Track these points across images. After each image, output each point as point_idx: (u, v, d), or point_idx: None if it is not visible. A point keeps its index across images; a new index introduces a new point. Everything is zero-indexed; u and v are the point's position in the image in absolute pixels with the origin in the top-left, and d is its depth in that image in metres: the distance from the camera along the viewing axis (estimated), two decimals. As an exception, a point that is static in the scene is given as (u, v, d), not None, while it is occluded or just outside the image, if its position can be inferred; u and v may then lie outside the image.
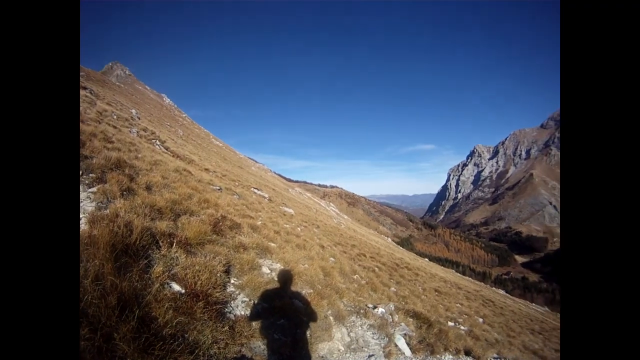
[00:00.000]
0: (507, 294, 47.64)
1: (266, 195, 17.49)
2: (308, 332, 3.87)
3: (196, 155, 21.19)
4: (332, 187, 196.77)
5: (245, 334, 2.97)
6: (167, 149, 15.79)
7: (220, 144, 56.33)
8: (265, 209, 12.21)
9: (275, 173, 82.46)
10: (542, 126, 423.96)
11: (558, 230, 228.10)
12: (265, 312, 3.62)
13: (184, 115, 61.18)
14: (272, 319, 3.60)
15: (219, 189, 9.80)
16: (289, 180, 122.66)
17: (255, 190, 17.32)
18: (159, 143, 15.84)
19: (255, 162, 72.33)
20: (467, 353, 5.49)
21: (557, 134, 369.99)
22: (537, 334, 15.22)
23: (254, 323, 3.23)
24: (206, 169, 15.83)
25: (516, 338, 11.07)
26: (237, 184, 16.24)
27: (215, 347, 2.54)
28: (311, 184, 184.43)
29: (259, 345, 3.06)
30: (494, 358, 5.80)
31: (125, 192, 4.64)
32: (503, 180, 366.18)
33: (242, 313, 3.32)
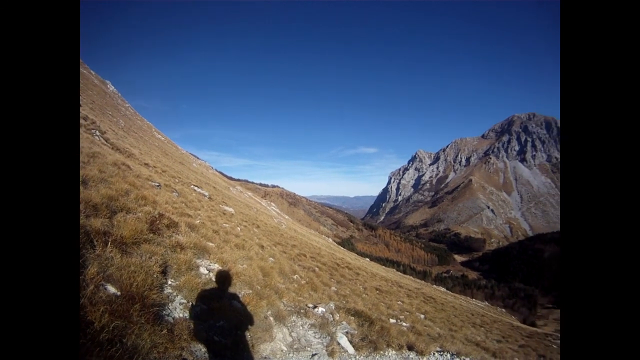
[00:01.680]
0: (448, 291, 51.08)
1: (206, 194, 17.27)
2: (248, 334, 4.05)
3: (137, 148, 20.39)
4: (273, 186, 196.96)
5: (185, 337, 3.06)
6: (106, 141, 15.10)
7: (163, 138, 54.17)
8: (205, 207, 12.16)
9: (217, 170, 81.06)
10: (483, 136, 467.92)
11: (495, 232, 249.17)
12: (204, 314, 3.72)
13: (127, 105, 57.75)
14: (212, 320, 3.72)
15: (158, 186, 9.54)
16: (231, 178, 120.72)
17: (196, 188, 17.04)
18: (98, 134, 15.12)
19: (197, 158, 71.08)
20: (410, 348, 5.97)
21: (497, 144, 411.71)
22: (478, 327, 16.74)
23: (193, 325, 3.31)
24: (146, 164, 15.34)
25: (458, 332, 12.06)
26: (177, 180, 15.85)
27: (155, 351, 2.61)
28: (253, 182, 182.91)
29: (200, 348, 3.17)
30: (437, 351, 6.31)
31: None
32: (443, 185, 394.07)
33: (181, 315, 3.40)
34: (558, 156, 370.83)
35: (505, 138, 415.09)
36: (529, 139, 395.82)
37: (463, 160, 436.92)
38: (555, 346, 18.38)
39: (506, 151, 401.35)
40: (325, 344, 4.89)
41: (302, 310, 5.88)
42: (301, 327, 5.25)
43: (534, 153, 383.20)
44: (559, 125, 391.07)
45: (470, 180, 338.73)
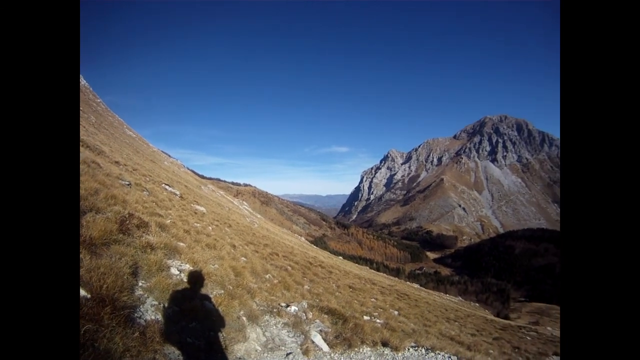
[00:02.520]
0: (422, 287, 52.16)
1: (178, 192, 17.09)
2: (222, 334, 4.09)
3: (107, 146, 20.05)
4: (245, 185, 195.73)
5: (158, 339, 3.06)
6: (77, 138, 14.62)
7: (134, 135, 53.00)
8: (176, 206, 12.07)
9: (188, 169, 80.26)
10: (454, 137, 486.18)
11: (467, 229, 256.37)
12: (176, 315, 3.73)
13: (98, 101, 56.02)
14: (184, 322, 3.73)
15: (128, 184, 9.39)
16: (202, 177, 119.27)
17: (167, 187, 16.82)
18: (68, 130, 14.68)
19: (169, 156, 70.48)
20: (385, 344, 6.13)
21: (469, 145, 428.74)
22: (452, 322, 17.27)
23: (165, 328, 3.31)
24: (116, 162, 15.11)
25: (432, 327, 12.39)
26: (148, 179, 15.63)
27: (128, 355, 2.62)
28: (225, 181, 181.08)
29: (173, 351, 3.18)
30: (412, 347, 6.50)
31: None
32: (415, 184, 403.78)
33: (153, 317, 3.39)
34: (528, 157, 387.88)
35: (476, 139, 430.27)
36: (500, 140, 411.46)
37: (435, 159, 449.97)
38: (529, 338, 19.09)
39: (477, 151, 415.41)
40: (299, 342, 4.98)
41: (275, 310, 5.94)
42: (274, 327, 5.32)
43: (504, 153, 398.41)
44: (529, 127, 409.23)
45: (442, 179, 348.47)
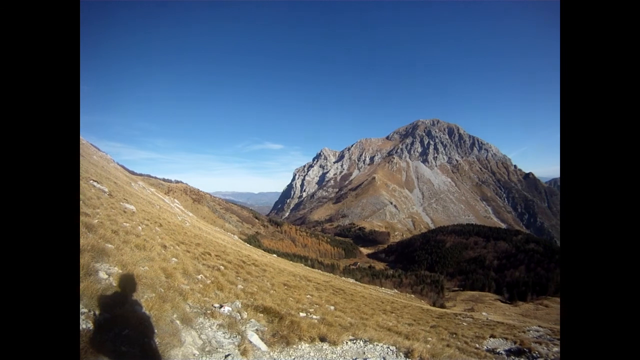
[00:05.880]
0: (357, 282, 53.70)
1: (106, 190, 16.31)
2: (156, 340, 4.07)
3: None
4: (177, 182, 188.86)
5: (91, 350, 3.03)
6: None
7: None
8: (105, 205, 11.70)
9: (118, 164, 75.99)
10: (387, 138, 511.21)
11: (399, 226, 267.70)
12: (108, 322, 3.68)
13: None
14: (116, 329, 3.69)
15: None
16: (133, 173, 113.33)
17: (95, 184, 15.99)
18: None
19: (98, 149, 66.06)
20: (323, 339, 6.38)
21: (401, 145, 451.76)
22: (389, 313, 18.02)
23: (97, 337, 3.28)
24: None
25: (370, 319, 12.85)
26: None
27: (60, 367, 2.59)
28: (156, 178, 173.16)
29: (108, 361, 3.15)
30: (350, 340, 6.80)
31: None
32: (347, 182, 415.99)
33: (84, 327, 3.33)
34: (458, 158, 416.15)
35: (409, 140, 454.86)
36: (431, 142, 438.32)
37: (367, 159, 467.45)
38: (465, 323, 20.19)
39: (409, 152, 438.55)
40: (236, 343, 5.07)
41: (208, 311, 5.97)
42: (210, 329, 5.36)
43: (435, 155, 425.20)
44: (461, 131, 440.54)
45: (374, 177, 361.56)
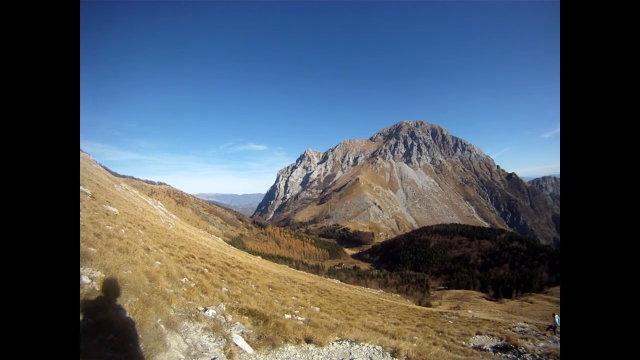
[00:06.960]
0: (342, 283, 53.87)
1: (89, 192, 16.06)
2: (141, 345, 4.05)
3: None
4: (160, 184, 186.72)
5: (75, 355, 3.02)
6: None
7: None
8: (87, 207, 11.60)
9: (101, 165, 74.78)
10: (371, 139, 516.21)
11: (383, 226, 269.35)
12: (92, 328, 3.66)
13: None
14: (101, 335, 3.66)
15: None
16: (116, 174, 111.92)
17: None
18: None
19: (81, 150, 65.04)
20: (309, 341, 6.42)
21: (384, 147, 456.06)
22: (375, 313, 18.15)
23: (82, 343, 3.26)
24: None
25: (355, 320, 12.95)
26: None
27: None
28: (138, 179, 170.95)
29: (93, 367, 3.13)
30: (336, 341, 6.84)
31: None
32: (331, 183, 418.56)
33: (67, 332, 3.31)
34: (442, 159, 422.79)
35: (392, 141, 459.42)
36: (415, 143, 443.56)
37: (351, 160, 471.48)
38: (451, 321, 20.40)
39: (393, 153, 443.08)
40: (222, 346, 5.08)
41: (193, 315, 5.94)
42: (195, 332, 5.34)
43: (419, 156, 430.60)
44: (444, 132, 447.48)
45: (358, 178, 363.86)
